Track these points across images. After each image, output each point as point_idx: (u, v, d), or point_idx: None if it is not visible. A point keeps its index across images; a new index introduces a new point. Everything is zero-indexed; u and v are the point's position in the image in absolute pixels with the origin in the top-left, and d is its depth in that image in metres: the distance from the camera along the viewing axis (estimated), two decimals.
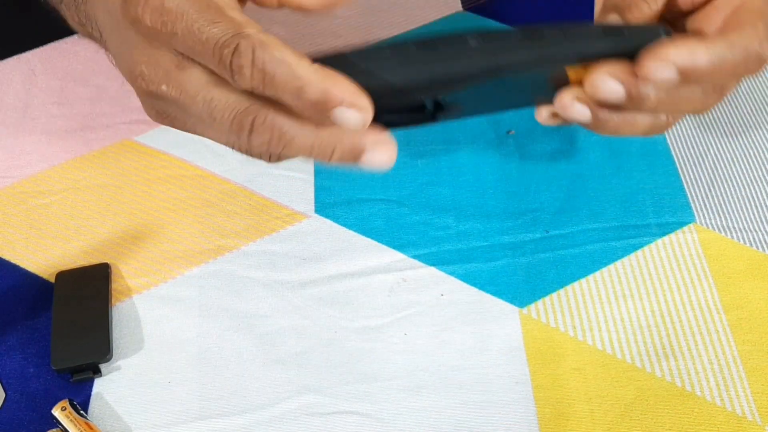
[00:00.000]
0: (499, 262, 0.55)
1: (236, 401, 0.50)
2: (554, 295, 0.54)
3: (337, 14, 0.72)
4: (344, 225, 0.58)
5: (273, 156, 0.40)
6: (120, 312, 0.54)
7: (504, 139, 0.62)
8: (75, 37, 0.71)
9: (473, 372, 0.50)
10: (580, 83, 0.39)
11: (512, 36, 0.38)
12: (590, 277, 0.54)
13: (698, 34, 0.40)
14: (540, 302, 0.53)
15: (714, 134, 0.63)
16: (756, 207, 0.58)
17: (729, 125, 0.63)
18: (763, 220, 0.57)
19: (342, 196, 0.59)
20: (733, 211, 0.57)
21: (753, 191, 0.59)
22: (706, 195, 0.58)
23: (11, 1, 0.71)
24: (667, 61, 0.37)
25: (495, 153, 0.62)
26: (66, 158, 0.63)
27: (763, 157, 0.61)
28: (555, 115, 0.42)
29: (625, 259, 0.55)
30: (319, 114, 0.36)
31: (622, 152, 0.61)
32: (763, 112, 0.64)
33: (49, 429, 0.48)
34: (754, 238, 0.56)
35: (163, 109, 0.41)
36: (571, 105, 0.40)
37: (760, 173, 0.60)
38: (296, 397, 0.50)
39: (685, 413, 0.48)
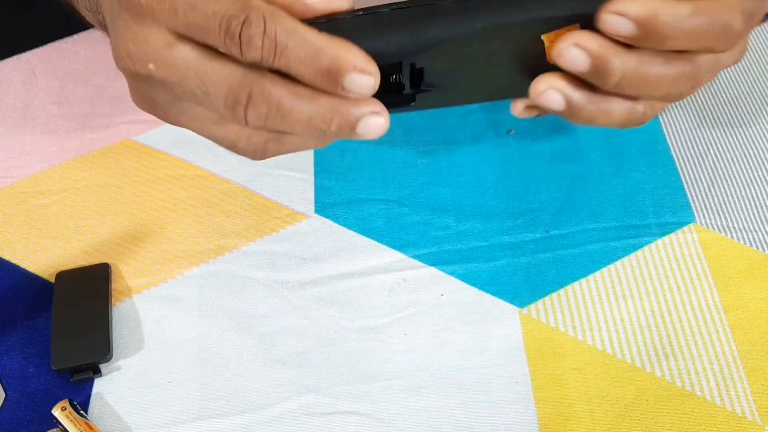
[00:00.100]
0: (499, 262, 0.55)
1: (236, 401, 0.50)
2: (554, 295, 0.54)
3: None
4: (344, 225, 0.58)
5: (269, 147, 0.39)
6: (120, 312, 0.54)
7: (504, 139, 0.62)
8: (75, 37, 0.71)
9: (473, 372, 0.50)
10: None
11: None
12: (590, 277, 0.54)
13: None
14: (540, 302, 0.53)
15: (714, 134, 0.63)
16: (756, 207, 0.58)
17: (729, 125, 0.63)
18: (763, 220, 0.57)
19: (342, 196, 0.59)
20: (733, 211, 0.57)
21: (753, 191, 0.59)
22: (706, 195, 0.58)
23: (11, 1, 0.71)
24: (624, 12, 0.36)
25: (495, 153, 0.62)
26: (66, 158, 0.63)
27: (763, 157, 0.61)
28: (529, 107, 0.42)
29: (625, 259, 0.55)
30: (330, 81, 0.36)
31: (622, 152, 0.61)
32: (764, 111, 0.64)
33: (49, 429, 0.48)
34: (754, 238, 0.56)
35: (149, 93, 0.40)
36: (545, 93, 0.39)
37: (761, 173, 0.60)
38: (296, 397, 0.50)
39: (685, 413, 0.48)
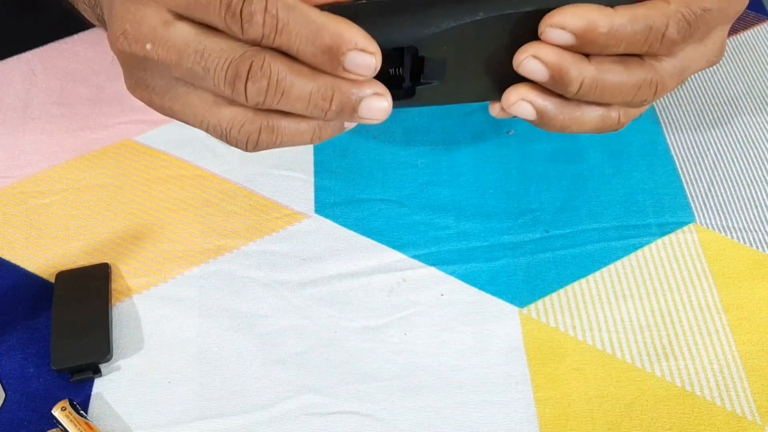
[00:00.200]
0: (499, 262, 0.55)
1: (236, 401, 0.50)
2: (554, 295, 0.54)
3: None
4: (344, 225, 0.58)
5: (262, 137, 0.39)
6: (120, 312, 0.54)
7: (504, 139, 0.62)
8: (75, 37, 0.71)
9: (473, 372, 0.50)
10: None
11: None
12: (590, 277, 0.54)
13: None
14: (540, 302, 0.53)
15: (714, 134, 0.63)
16: (756, 207, 0.58)
17: (729, 125, 0.63)
18: (763, 220, 0.57)
19: (342, 196, 0.59)
20: (733, 211, 0.57)
21: (753, 191, 0.59)
22: (706, 195, 0.59)
23: (11, 1, 0.71)
24: (563, 25, 0.37)
25: (495, 153, 0.62)
26: (66, 158, 0.63)
27: (763, 157, 0.61)
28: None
29: (625, 259, 0.55)
30: (330, 60, 0.36)
31: (622, 152, 0.61)
32: (763, 111, 0.64)
33: (49, 429, 0.48)
34: (754, 238, 0.56)
35: (144, 77, 0.40)
36: (516, 103, 0.40)
37: (760, 173, 0.60)
38: (296, 397, 0.50)
39: (685, 413, 0.48)
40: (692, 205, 0.58)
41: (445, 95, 0.41)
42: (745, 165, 0.60)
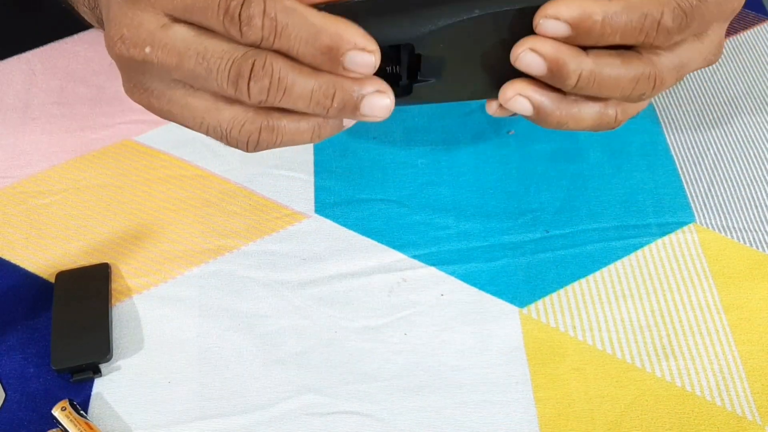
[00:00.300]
0: (499, 262, 0.55)
1: (236, 401, 0.50)
2: (554, 295, 0.54)
3: None
4: (344, 225, 0.58)
5: (263, 136, 0.39)
6: (120, 312, 0.54)
7: (504, 139, 0.62)
8: (75, 37, 0.71)
9: (473, 372, 0.50)
10: None
11: None
12: (590, 277, 0.54)
13: None
14: (540, 302, 0.53)
15: (714, 134, 0.63)
16: (756, 207, 0.58)
17: (729, 125, 0.63)
18: (763, 220, 0.57)
19: (342, 196, 0.59)
20: (733, 211, 0.57)
21: (753, 191, 0.59)
22: (706, 195, 0.59)
23: (11, 1, 0.71)
24: (557, 16, 0.37)
25: (495, 153, 0.62)
26: (66, 158, 0.63)
27: (763, 157, 0.61)
28: (503, 106, 0.42)
29: (625, 259, 0.55)
30: (330, 60, 0.36)
31: (622, 152, 0.61)
32: (763, 111, 0.64)
33: (49, 429, 0.48)
34: (754, 238, 0.56)
35: (142, 81, 0.40)
36: (513, 98, 0.40)
37: (760, 173, 0.60)
38: (296, 397, 0.50)
39: (685, 413, 0.48)
40: (692, 205, 0.58)
41: (442, 93, 0.41)
42: (745, 165, 0.60)
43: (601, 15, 0.37)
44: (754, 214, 0.57)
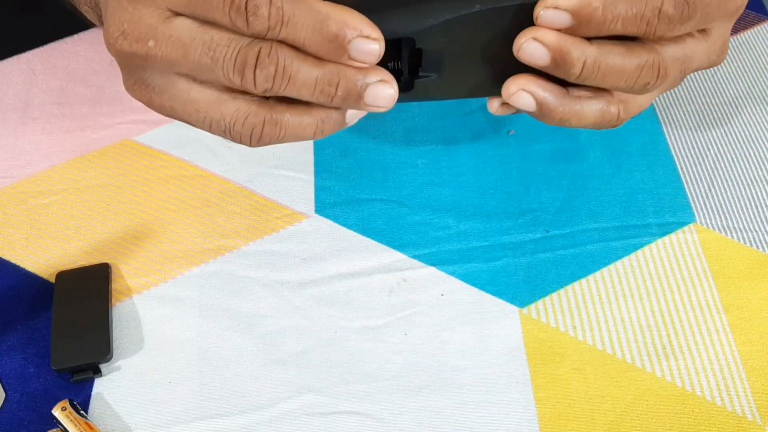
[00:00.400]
0: (499, 262, 0.55)
1: (236, 401, 0.50)
2: (554, 295, 0.54)
3: None
4: (344, 225, 0.58)
5: (266, 130, 0.39)
6: (120, 312, 0.54)
7: (504, 139, 0.62)
8: (75, 37, 0.71)
9: (473, 372, 0.50)
10: None
11: None
12: (590, 277, 0.54)
13: None
14: (540, 302, 0.53)
15: (714, 134, 0.63)
16: (756, 207, 0.58)
17: (729, 125, 0.63)
18: (764, 220, 0.57)
19: (342, 196, 0.59)
20: (733, 211, 0.57)
21: (753, 191, 0.59)
22: (707, 195, 0.58)
23: (11, 1, 0.71)
24: (558, 5, 0.37)
25: (495, 153, 0.62)
26: (66, 158, 0.63)
27: (763, 157, 0.61)
28: (505, 105, 0.42)
29: (626, 259, 0.55)
30: (336, 49, 0.37)
31: (623, 152, 0.61)
32: (764, 111, 0.64)
33: (49, 429, 0.48)
34: (754, 238, 0.56)
35: (143, 76, 0.40)
36: (517, 94, 0.40)
37: (761, 173, 0.60)
38: (296, 397, 0.50)
39: (685, 413, 0.48)
40: (692, 205, 0.58)
41: (444, 89, 0.41)
42: (745, 165, 0.60)
43: (601, 2, 0.37)
44: (754, 214, 0.57)
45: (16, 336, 0.53)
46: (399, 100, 0.39)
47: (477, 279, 0.55)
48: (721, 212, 0.57)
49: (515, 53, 0.39)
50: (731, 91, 0.65)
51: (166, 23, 0.38)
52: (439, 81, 0.41)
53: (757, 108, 0.64)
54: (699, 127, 0.63)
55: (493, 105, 0.43)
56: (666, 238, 0.56)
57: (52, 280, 0.55)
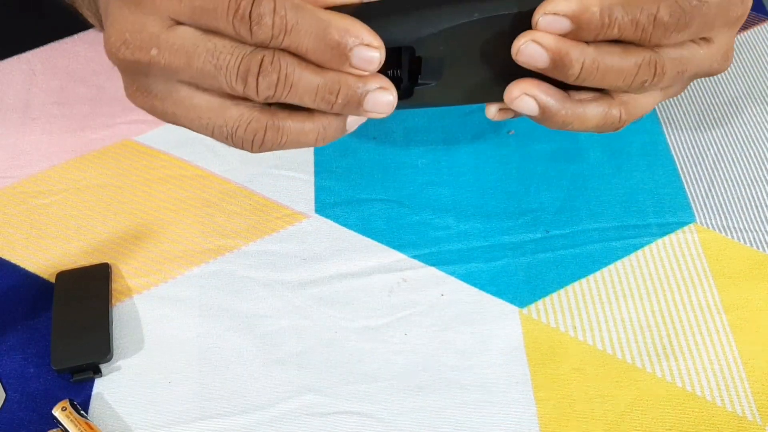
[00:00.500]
0: (499, 263, 0.55)
1: (236, 401, 0.50)
2: (554, 295, 0.54)
3: None
4: (344, 225, 0.58)
5: (268, 136, 0.39)
6: (120, 312, 0.54)
7: (504, 139, 0.62)
8: (75, 37, 0.71)
9: (473, 372, 0.50)
10: None
11: None
12: (590, 277, 0.54)
13: None
14: (540, 302, 0.53)
15: (714, 134, 0.63)
16: (756, 207, 0.58)
17: (729, 125, 0.63)
18: (764, 220, 0.57)
19: (342, 196, 0.59)
20: (733, 211, 0.57)
21: (753, 191, 0.59)
22: (707, 195, 0.58)
23: (11, 1, 0.71)
24: (557, 11, 0.38)
25: (495, 153, 0.62)
26: (66, 158, 0.63)
27: (763, 157, 0.61)
28: (503, 110, 0.43)
29: (626, 259, 0.55)
30: (338, 56, 0.37)
31: (623, 152, 0.61)
32: (764, 111, 0.64)
33: (49, 429, 0.48)
34: (754, 238, 0.56)
35: (145, 84, 0.40)
36: (519, 98, 0.40)
37: (761, 173, 0.60)
38: (296, 397, 0.50)
39: (685, 413, 0.48)
40: (693, 205, 0.58)
41: (443, 96, 0.42)
42: (745, 165, 0.60)
43: (599, 7, 0.38)
44: (754, 214, 0.57)
45: (16, 336, 0.53)
46: (398, 106, 0.40)
47: (477, 279, 0.55)
48: (721, 212, 0.57)
49: (513, 56, 0.39)
50: (731, 91, 0.65)
51: (168, 32, 0.38)
52: (438, 88, 0.41)
53: (758, 108, 0.64)
54: (699, 127, 0.63)
55: (491, 110, 0.43)
56: (666, 239, 0.56)
57: (52, 280, 0.55)
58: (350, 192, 0.60)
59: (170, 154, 0.62)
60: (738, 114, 0.64)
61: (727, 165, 0.60)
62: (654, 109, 0.64)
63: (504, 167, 0.61)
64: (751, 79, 0.66)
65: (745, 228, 0.56)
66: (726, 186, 0.59)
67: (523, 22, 0.39)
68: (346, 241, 0.57)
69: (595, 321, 0.52)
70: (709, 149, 0.61)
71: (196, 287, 0.55)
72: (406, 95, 0.41)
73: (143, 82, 0.40)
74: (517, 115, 0.43)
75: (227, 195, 0.60)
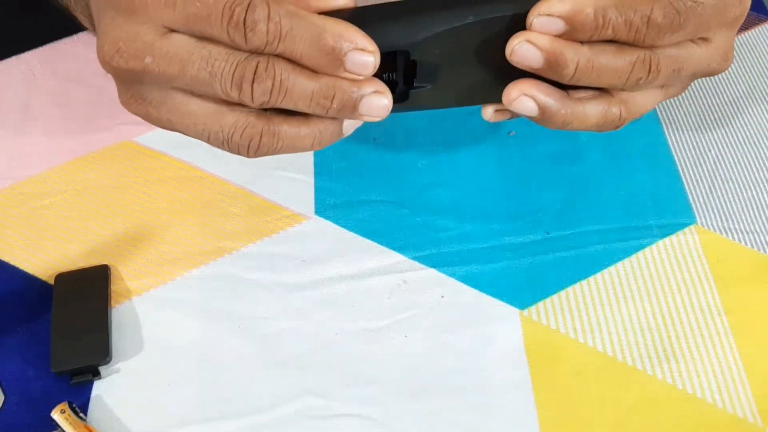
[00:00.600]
0: (499, 264, 0.55)
1: (236, 404, 0.50)
2: (555, 297, 0.54)
3: None
4: (344, 227, 0.58)
5: (264, 141, 0.39)
6: (119, 314, 0.54)
7: (504, 141, 0.62)
8: (75, 37, 0.71)
9: (474, 374, 0.50)
10: None
11: None
12: (591, 278, 0.54)
13: None
14: (541, 304, 0.53)
15: (715, 135, 0.62)
16: (757, 208, 0.58)
17: (730, 126, 0.63)
18: (765, 221, 0.57)
19: (342, 198, 0.59)
20: (734, 213, 0.57)
21: (754, 192, 0.58)
22: (708, 196, 0.58)
23: (11, 1, 0.71)
24: (551, 12, 0.38)
25: (496, 154, 0.62)
26: (66, 159, 0.63)
27: (764, 158, 0.61)
28: (500, 111, 0.43)
29: (626, 261, 0.55)
30: (333, 62, 0.37)
31: (623, 153, 0.61)
32: (765, 112, 0.64)
33: None
34: (755, 240, 0.56)
35: (140, 91, 0.40)
36: (518, 99, 0.40)
37: (762, 174, 0.60)
38: (297, 399, 0.50)
39: (686, 416, 0.48)
40: (693, 206, 0.58)
41: (439, 99, 0.42)
42: (746, 166, 0.60)
43: (593, 8, 0.38)
44: (755, 216, 0.57)
45: (15, 338, 0.53)
46: (394, 110, 0.40)
47: (477, 281, 0.54)
48: (722, 214, 0.57)
49: (508, 56, 0.39)
50: (732, 92, 0.65)
51: (163, 39, 0.38)
52: (433, 91, 0.41)
53: (758, 108, 0.64)
54: (700, 127, 0.63)
55: (488, 112, 0.43)
56: (667, 240, 0.56)
57: (52, 281, 0.55)
58: (350, 193, 0.60)
59: (170, 156, 0.62)
60: (739, 115, 0.64)
61: (728, 166, 0.60)
62: (654, 110, 0.64)
63: (504, 168, 0.61)
64: (752, 79, 0.66)
65: (746, 229, 0.56)
66: (727, 187, 0.59)
67: (518, 24, 0.39)
68: (346, 242, 0.57)
69: (596, 323, 0.52)
70: (710, 150, 0.61)
71: (195, 289, 0.55)
72: (401, 99, 0.41)
73: (137, 89, 0.40)
74: (514, 116, 0.43)
75: (227, 196, 0.60)
